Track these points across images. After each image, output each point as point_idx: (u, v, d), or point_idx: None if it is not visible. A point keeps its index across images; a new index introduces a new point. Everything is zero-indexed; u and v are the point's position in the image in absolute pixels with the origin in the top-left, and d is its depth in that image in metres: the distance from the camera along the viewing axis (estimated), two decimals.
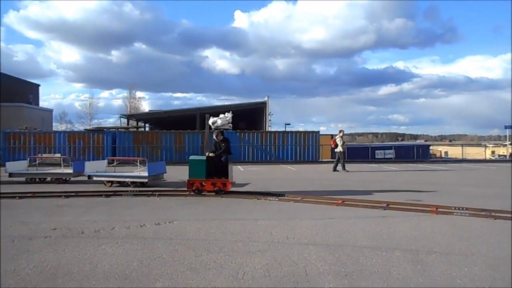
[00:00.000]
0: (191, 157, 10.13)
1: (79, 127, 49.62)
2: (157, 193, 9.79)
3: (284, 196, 9.24)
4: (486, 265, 4.34)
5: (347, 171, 17.09)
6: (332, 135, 34.16)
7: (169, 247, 5.07)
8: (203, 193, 9.64)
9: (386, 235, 5.69)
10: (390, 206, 7.92)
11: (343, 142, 17.55)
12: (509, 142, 39.35)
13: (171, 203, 8.77)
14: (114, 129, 29.06)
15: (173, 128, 28.94)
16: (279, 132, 28.03)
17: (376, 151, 27.77)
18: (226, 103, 45.65)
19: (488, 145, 47.73)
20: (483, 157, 32.81)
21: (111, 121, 59.79)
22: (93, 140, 24.98)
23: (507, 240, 5.41)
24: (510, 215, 6.89)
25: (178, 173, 16.25)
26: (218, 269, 4.22)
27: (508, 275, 4.02)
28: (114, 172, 12.58)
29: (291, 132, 27.85)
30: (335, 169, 17.32)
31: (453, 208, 7.52)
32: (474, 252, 4.87)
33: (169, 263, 4.42)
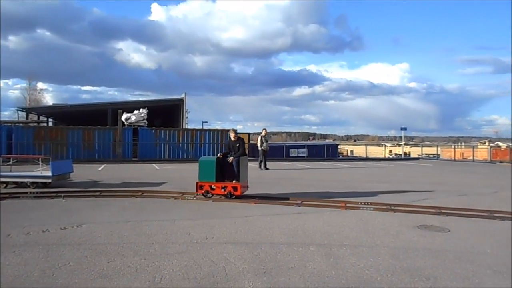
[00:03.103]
0: (201, 158, 9.25)
1: None
2: (62, 195, 8.95)
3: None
4: (389, 255, 4.77)
5: (267, 169, 17.54)
6: (248, 134, 34.86)
7: (77, 253, 4.65)
8: (211, 197, 8.83)
9: (301, 231, 5.93)
10: (304, 202, 8.29)
11: (262, 141, 17.90)
12: (404, 143, 44.14)
13: (79, 205, 8.09)
14: (10, 123, 26.05)
15: (81, 123, 26.84)
16: (196, 130, 27.70)
17: (291, 150, 28.99)
18: (141, 99, 43.56)
19: (387, 145, 52.87)
20: (383, 156, 36.27)
21: (7, 114, 53.00)
22: None
23: (405, 231, 6.01)
24: (408, 209, 7.69)
25: (87, 172, 15.12)
26: (133, 274, 3.98)
27: (408, 263, 4.46)
28: (10, 171, 11.22)
29: (209, 130, 27.76)
30: (260, 167, 17.67)
31: (359, 203, 8.14)
32: (378, 243, 5.31)
33: (77, 271, 4.05)
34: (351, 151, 46.44)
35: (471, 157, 30.50)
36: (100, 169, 17.91)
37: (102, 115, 32.61)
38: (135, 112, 27.54)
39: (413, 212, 7.43)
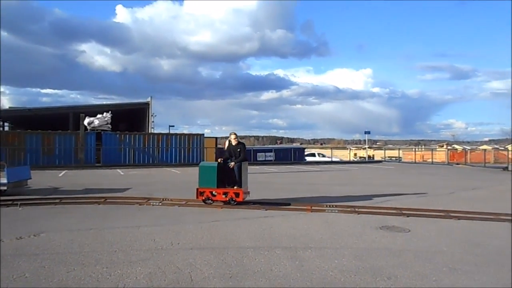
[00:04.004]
0: (202, 164, 8.97)
1: None
2: (19, 203, 8.51)
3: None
4: (352, 256, 4.88)
5: None
6: (216, 138, 34.71)
7: (34, 264, 4.44)
8: (212, 203, 8.55)
9: (267, 235, 5.96)
10: (271, 206, 8.34)
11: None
12: (368, 146, 45.48)
13: (37, 213, 7.73)
14: None
15: (41, 128, 25.71)
16: (162, 134, 27.28)
17: (258, 154, 29.10)
18: (105, 103, 42.33)
19: (352, 148, 54.31)
20: (348, 159, 37.13)
21: None
22: None
23: (368, 232, 6.18)
24: (371, 210, 7.92)
25: (46, 179, 14.50)
26: (95, 283, 3.85)
27: (371, 263, 4.59)
28: None
29: (176, 134, 27.38)
30: None
31: (325, 206, 8.29)
32: (342, 245, 5.43)
33: (34, 283, 3.86)
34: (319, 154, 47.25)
35: (430, 160, 31.85)
36: (60, 175, 17.23)
37: (63, 119, 31.40)
38: (99, 116, 26.74)
39: (376, 214, 7.66)
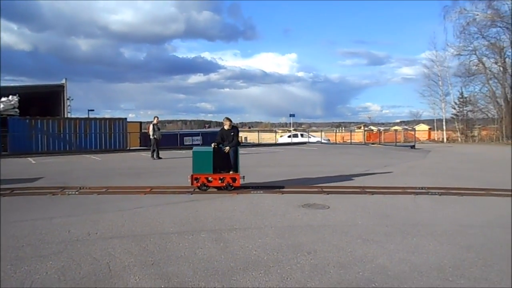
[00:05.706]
0: (195, 149, 8.44)
1: None
2: None
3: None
4: (275, 234, 5.02)
5: (160, 158, 16.96)
6: (140, 123, 33.34)
7: None
8: (207, 189, 8.21)
9: (192, 219, 5.88)
10: (197, 190, 8.24)
11: (154, 129, 17.24)
12: (293, 128, 47.14)
13: None
14: None
15: None
16: (80, 119, 25.40)
17: (185, 138, 28.54)
18: (11, 85, 38.09)
19: (278, 131, 55.81)
20: (275, 142, 38.11)
21: None
22: None
23: (291, 210, 6.40)
24: (294, 190, 8.20)
25: None
26: None
27: (292, 240, 4.76)
28: None
29: (95, 119, 25.66)
30: (152, 156, 17.01)
31: (250, 187, 8.41)
32: (266, 224, 5.56)
33: None
34: (245, 138, 47.86)
35: (349, 140, 34.00)
36: None
37: None
38: (3, 99, 24.06)
39: (298, 193, 7.97)
